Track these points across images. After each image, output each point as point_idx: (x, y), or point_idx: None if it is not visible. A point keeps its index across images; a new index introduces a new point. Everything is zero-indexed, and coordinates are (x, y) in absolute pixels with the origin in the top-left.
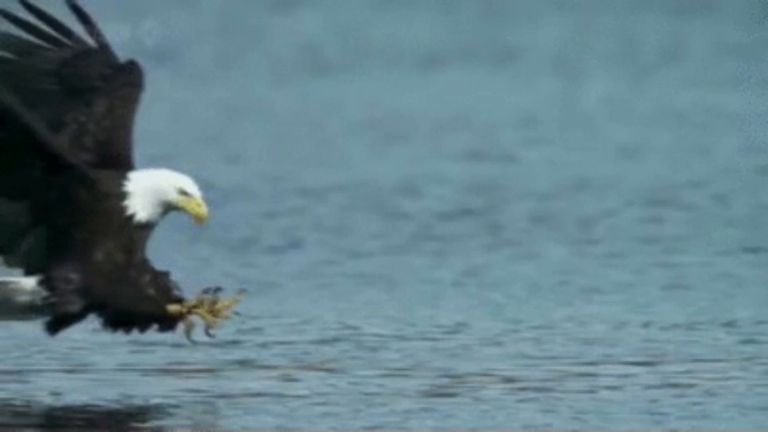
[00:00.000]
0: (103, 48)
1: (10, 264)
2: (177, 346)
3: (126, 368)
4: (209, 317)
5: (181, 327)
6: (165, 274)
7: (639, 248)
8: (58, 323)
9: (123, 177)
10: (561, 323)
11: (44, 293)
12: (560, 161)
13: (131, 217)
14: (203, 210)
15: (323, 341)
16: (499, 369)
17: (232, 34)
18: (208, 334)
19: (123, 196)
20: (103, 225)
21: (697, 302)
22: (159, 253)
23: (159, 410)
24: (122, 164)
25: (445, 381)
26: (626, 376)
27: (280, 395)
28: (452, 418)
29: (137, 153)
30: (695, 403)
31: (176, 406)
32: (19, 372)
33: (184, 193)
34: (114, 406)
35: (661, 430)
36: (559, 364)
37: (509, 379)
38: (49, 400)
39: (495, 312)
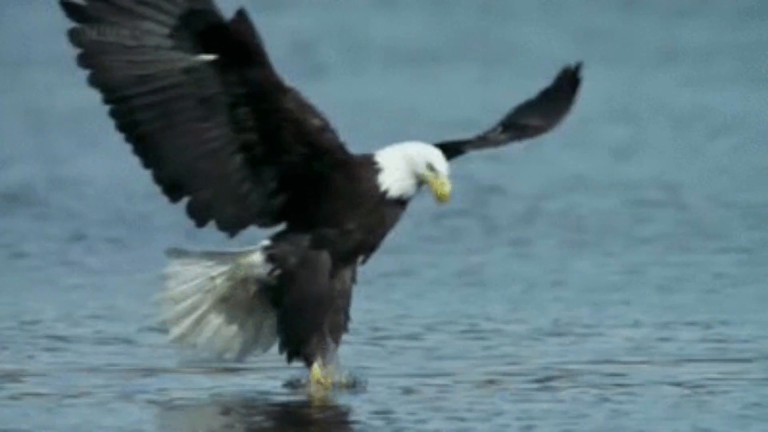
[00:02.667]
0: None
1: (262, 224)
2: None
3: (126, 368)
4: (320, 384)
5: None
6: (347, 316)
7: (635, 247)
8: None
9: (372, 155)
10: (556, 322)
11: (268, 265)
12: (556, 160)
13: (384, 193)
14: (446, 189)
15: None
16: (493, 368)
17: None
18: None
19: (376, 172)
20: (354, 204)
21: (693, 302)
22: (158, 252)
23: (160, 410)
24: None
25: (441, 380)
26: (621, 375)
27: (279, 395)
28: (449, 418)
29: None
30: (690, 403)
31: (177, 406)
32: (21, 372)
33: (432, 168)
34: (114, 406)
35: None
36: (554, 363)
37: (503, 379)
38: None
39: (490, 311)
